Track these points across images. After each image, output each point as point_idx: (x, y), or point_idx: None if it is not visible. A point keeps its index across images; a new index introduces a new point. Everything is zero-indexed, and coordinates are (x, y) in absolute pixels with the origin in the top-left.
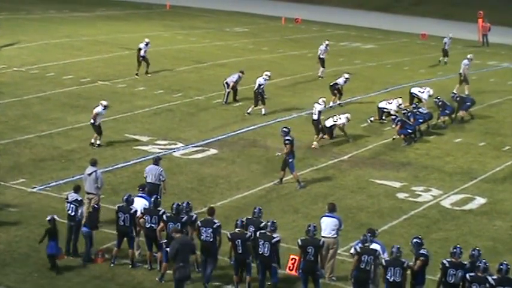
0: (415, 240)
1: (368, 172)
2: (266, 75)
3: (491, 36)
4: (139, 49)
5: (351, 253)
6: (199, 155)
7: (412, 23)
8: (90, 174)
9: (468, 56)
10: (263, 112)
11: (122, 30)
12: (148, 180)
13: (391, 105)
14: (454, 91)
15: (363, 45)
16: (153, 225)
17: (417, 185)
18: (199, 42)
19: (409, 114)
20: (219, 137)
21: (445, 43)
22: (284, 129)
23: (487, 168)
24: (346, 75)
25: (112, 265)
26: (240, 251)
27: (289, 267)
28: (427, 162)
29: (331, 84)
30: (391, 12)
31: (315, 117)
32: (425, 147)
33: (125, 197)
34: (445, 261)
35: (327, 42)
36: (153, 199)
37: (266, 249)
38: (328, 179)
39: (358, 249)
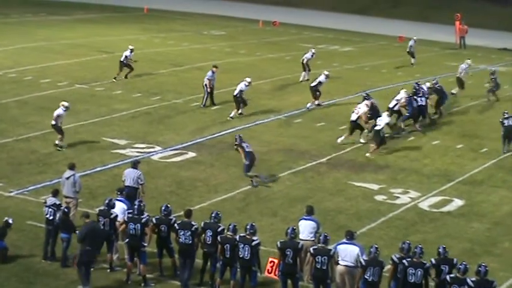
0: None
1: (346, 175)
2: (247, 81)
3: (468, 38)
4: (126, 56)
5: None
6: (178, 158)
7: (389, 26)
8: (68, 178)
9: (467, 61)
10: (239, 111)
11: (99, 34)
12: (127, 183)
13: (361, 110)
14: (453, 91)
15: (341, 48)
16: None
17: (395, 187)
18: (177, 46)
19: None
20: (198, 140)
21: (410, 46)
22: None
23: (465, 170)
24: (326, 72)
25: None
26: (227, 255)
27: (268, 270)
28: (405, 165)
29: (313, 85)
30: (369, 15)
31: (378, 127)
32: (403, 149)
33: (106, 201)
34: (404, 261)
35: (313, 50)
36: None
37: (246, 253)
38: (307, 182)
39: (312, 251)
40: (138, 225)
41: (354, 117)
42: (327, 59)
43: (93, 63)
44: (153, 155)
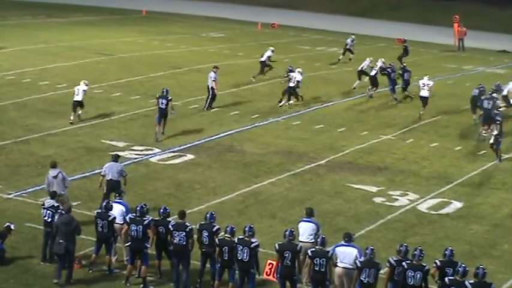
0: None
1: (345, 177)
2: (299, 72)
3: (467, 40)
4: (269, 57)
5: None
6: (176, 161)
7: (388, 28)
8: (55, 177)
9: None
10: (290, 101)
11: (97, 36)
12: (109, 177)
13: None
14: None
15: (340, 50)
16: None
17: (394, 190)
18: (175, 48)
19: None
20: (196, 143)
21: (347, 44)
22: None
23: (463, 173)
24: (381, 62)
25: (90, 271)
26: (225, 258)
27: (267, 272)
28: (404, 167)
29: (373, 74)
30: (368, 17)
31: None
32: (402, 151)
33: (104, 204)
34: (404, 264)
35: (371, 58)
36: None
37: (245, 255)
38: (305, 184)
39: (310, 253)
40: (140, 227)
41: (425, 93)
42: (326, 61)
43: (91, 65)
44: (151, 157)
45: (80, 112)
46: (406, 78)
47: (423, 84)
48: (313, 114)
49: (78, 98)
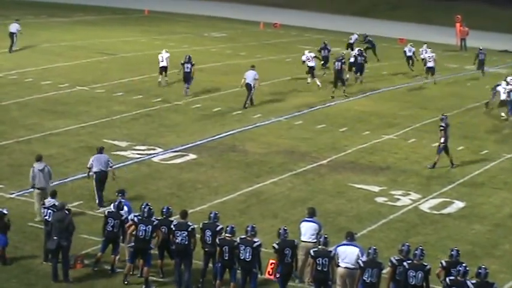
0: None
1: (347, 176)
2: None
3: (469, 40)
4: (413, 52)
5: (311, 255)
6: (179, 160)
7: (390, 28)
8: (42, 170)
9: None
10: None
11: (99, 36)
12: (95, 169)
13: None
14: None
15: (342, 50)
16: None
17: (396, 189)
18: (177, 47)
19: None
20: (198, 142)
21: (352, 39)
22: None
23: (466, 172)
24: (431, 53)
25: (95, 270)
26: (226, 257)
27: (269, 271)
28: (406, 167)
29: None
30: (369, 17)
31: None
32: (404, 151)
33: (116, 203)
34: (405, 263)
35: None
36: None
37: (248, 254)
38: (307, 184)
39: (312, 253)
40: (150, 227)
41: (432, 64)
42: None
43: (94, 65)
44: (154, 156)
45: (165, 76)
46: (359, 62)
47: (429, 57)
48: (315, 113)
49: (163, 63)
